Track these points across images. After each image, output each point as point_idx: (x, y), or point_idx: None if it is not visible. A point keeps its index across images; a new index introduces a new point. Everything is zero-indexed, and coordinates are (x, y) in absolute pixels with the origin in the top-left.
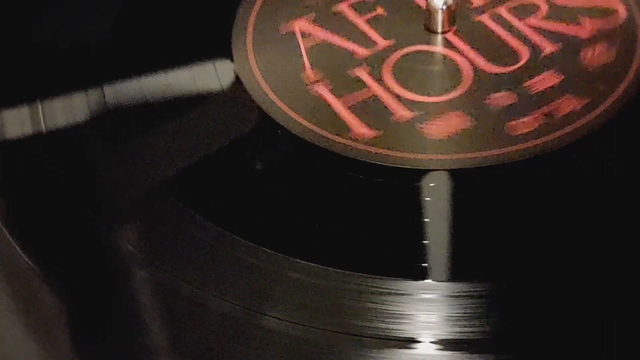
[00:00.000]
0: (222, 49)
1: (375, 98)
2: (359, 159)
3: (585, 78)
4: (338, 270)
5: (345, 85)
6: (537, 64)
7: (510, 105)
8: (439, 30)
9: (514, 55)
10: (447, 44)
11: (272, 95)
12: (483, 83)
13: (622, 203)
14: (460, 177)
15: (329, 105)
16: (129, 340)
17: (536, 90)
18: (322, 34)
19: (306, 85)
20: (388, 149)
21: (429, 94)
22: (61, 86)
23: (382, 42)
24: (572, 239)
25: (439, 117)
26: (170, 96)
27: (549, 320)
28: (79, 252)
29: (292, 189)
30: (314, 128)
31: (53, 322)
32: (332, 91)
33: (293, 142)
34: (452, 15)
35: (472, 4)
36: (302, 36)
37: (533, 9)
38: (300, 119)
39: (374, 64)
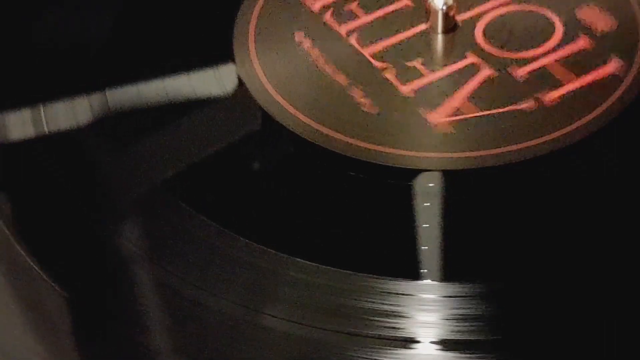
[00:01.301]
0: (223, 51)
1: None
2: (360, 158)
3: None
4: (338, 270)
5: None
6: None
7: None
8: (439, 30)
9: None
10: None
11: (274, 95)
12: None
13: (621, 203)
14: (460, 178)
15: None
16: (129, 339)
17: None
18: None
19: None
20: (388, 147)
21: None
22: (63, 89)
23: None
24: (571, 239)
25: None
26: (172, 98)
27: (547, 321)
28: (80, 252)
29: (293, 188)
30: (318, 127)
31: (53, 322)
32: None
33: (294, 142)
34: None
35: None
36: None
37: None
38: (303, 118)
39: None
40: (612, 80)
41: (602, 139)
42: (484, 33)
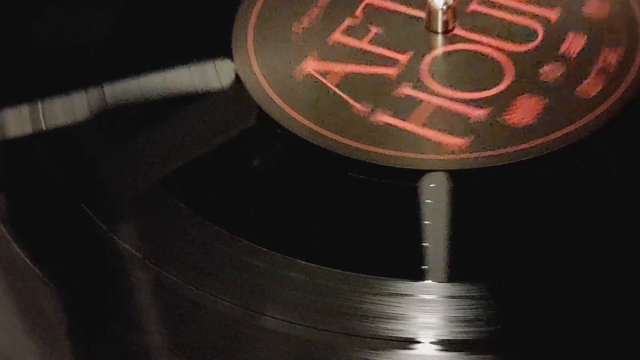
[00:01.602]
0: (222, 48)
1: (440, 109)
2: (359, 158)
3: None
4: (338, 270)
5: (401, 106)
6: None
7: (564, 73)
8: (440, 30)
9: (530, 31)
10: (462, 39)
11: (272, 95)
12: (525, 63)
13: (622, 203)
14: (460, 178)
15: (402, 129)
16: (128, 340)
17: (573, 53)
18: (338, 68)
19: (366, 119)
20: (391, 149)
21: (485, 89)
22: (61, 85)
23: (401, 57)
24: (572, 239)
25: (514, 105)
26: (170, 95)
27: (548, 321)
28: (79, 251)
29: (291, 188)
30: (314, 127)
31: (52, 322)
32: (394, 116)
33: (292, 142)
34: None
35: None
36: (322, 76)
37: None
38: (299, 118)
39: (411, 77)
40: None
41: (602, 139)
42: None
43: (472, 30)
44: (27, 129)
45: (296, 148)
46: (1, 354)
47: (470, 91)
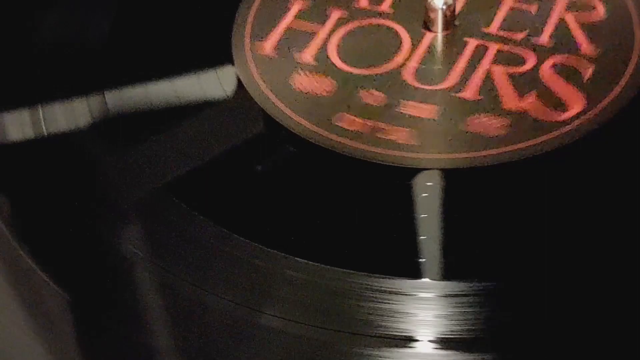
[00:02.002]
0: (222, 53)
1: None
2: (359, 158)
3: (452, 130)
4: (337, 269)
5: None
6: (439, 97)
7: (372, 105)
8: (438, 30)
9: (440, 79)
10: (418, 39)
11: (272, 97)
12: (386, 78)
13: (621, 203)
14: (458, 177)
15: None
16: (129, 339)
17: (402, 110)
18: None
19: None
20: (387, 149)
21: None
22: (62, 90)
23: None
24: (571, 239)
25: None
26: (171, 100)
27: (546, 319)
28: (81, 253)
29: (292, 188)
30: (314, 128)
31: (54, 322)
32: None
33: (293, 143)
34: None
35: (488, 27)
36: None
37: (517, 62)
38: (300, 120)
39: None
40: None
41: (602, 139)
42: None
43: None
44: (28, 133)
45: (297, 148)
46: (2, 354)
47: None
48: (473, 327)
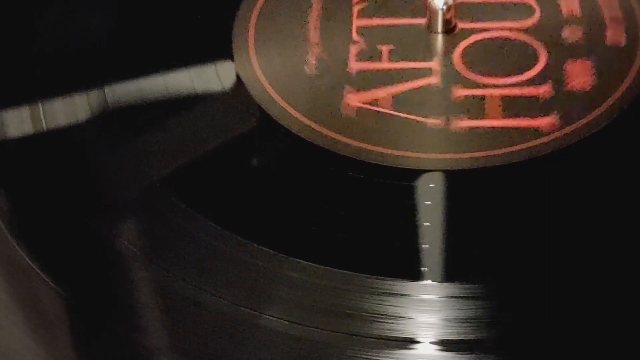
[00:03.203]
0: (223, 49)
1: (506, 97)
2: (359, 158)
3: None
4: (337, 270)
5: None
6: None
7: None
8: (439, 30)
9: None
10: (471, 32)
11: (273, 95)
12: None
13: (621, 203)
14: (459, 178)
15: (480, 127)
16: (129, 339)
17: (577, 12)
18: (382, 92)
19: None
20: (388, 149)
21: (527, 69)
22: (62, 86)
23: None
24: (571, 240)
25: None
26: (171, 96)
27: (547, 321)
28: (79, 251)
29: (292, 188)
30: (315, 127)
31: (52, 322)
32: (471, 118)
33: (293, 142)
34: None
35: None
36: (372, 105)
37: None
38: (301, 118)
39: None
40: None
41: (602, 139)
42: None
43: (473, 21)
44: (27, 129)
45: (297, 148)
46: (1, 354)
47: (515, 75)
48: (474, 329)
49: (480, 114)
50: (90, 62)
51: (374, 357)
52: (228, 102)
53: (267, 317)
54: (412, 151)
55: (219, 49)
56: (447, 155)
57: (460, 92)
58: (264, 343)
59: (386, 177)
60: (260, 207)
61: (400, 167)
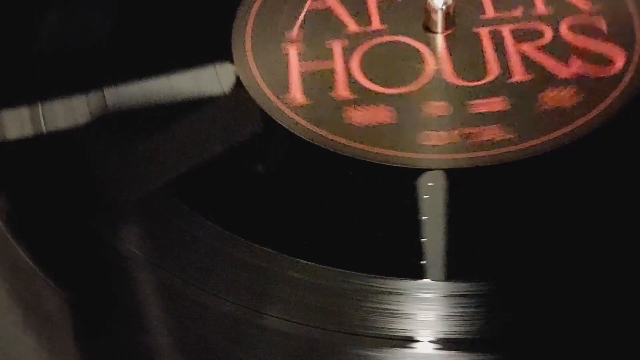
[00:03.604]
0: (222, 51)
1: (330, 71)
2: (359, 158)
3: (529, 115)
4: (338, 269)
5: (315, 52)
6: (497, 88)
7: (440, 116)
8: (438, 30)
9: (482, 73)
10: (433, 44)
11: (272, 96)
12: (434, 89)
13: (621, 203)
14: (458, 177)
15: (286, 65)
16: (130, 340)
17: (475, 111)
18: (330, 1)
19: (281, 42)
20: (386, 148)
21: (378, 83)
22: (62, 88)
23: (376, 25)
24: (571, 239)
25: (367, 106)
26: (171, 98)
27: (547, 320)
28: (80, 252)
29: (292, 189)
30: (315, 128)
31: (54, 322)
32: (300, 55)
33: (293, 143)
34: (451, 18)
35: (484, 14)
36: None
37: (535, 36)
38: (300, 120)
39: (354, 42)
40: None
41: (602, 139)
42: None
43: (447, 42)
44: (27, 131)
45: (297, 148)
46: (2, 354)
47: (367, 78)
48: (474, 328)
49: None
50: (91, 64)
51: (374, 356)
52: (227, 104)
53: (268, 316)
54: (412, 151)
55: (219, 51)
56: (447, 155)
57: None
58: (264, 343)
59: (386, 177)
60: (261, 208)
61: (400, 167)
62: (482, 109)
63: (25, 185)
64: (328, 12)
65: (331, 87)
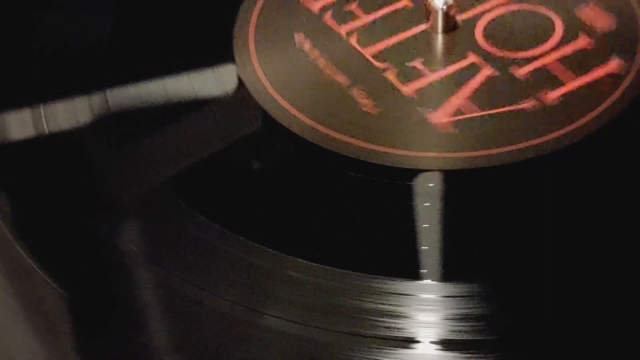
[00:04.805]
0: (224, 51)
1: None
2: (360, 158)
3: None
4: (338, 270)
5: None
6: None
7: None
8: (439, 30)
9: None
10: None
11: (274, 95)
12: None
13: (621, 203)
14: (459, 178)
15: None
16: (129, 339)
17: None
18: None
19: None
20: (389, 147)
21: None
22: (64, 88)
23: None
24: (571, 239)
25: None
26: (173, 98)
27: (547, 320)
28: (81, 252)
29: (293, 188)
30: (317, 127)
31: (54, 322)
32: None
33: (294, 142)
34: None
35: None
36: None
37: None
38: (303, 119)
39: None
40: (613, 80)
41: (602, 139)
42: (484, 33)
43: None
44: (29, 131)
45: (298, 148)
46: (3, 354)
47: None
48: (474, 329)
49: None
50: (93, 65)
51: (374, 357)
52: (230, 104)
53: (268, 316)
54: (412, 151)
55: (221, 51)
56: (447, 155)
57: None
58: (264, 342)
59: (386, 177)
60: (261, 207)
61: (400, 166)
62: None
63: (26, 185)
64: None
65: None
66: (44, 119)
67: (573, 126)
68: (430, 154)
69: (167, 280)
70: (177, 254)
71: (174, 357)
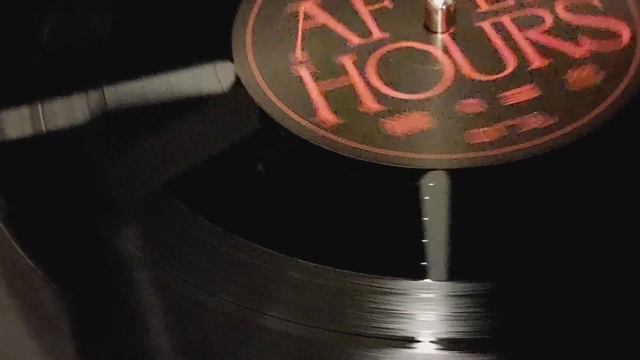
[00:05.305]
0: (222, 50)
1: (350, 87)
2: (360, 158)
3: (563, 98)
4: (338, 270)
5: (327, 70)
6: (521, 76)
7: (478, 113)
8: (438, 30)
9: (500, 65)
10: (440, 44)
11: (272, 96)
12: (460, 88)
13: (621, 203)
14: (460, 177)
15: (304, 87)
16: (129, 340)
17: (508, 103)
18: (323, 18)
19: (291, 64)
20: (387, 149)
21: (403, 91)
22: (61, 87)
23: (377, 34)
24: (571, 239)
25: (402, 115)
26: (171, 97)
27: (548, 320)
28: (80, 252)
29: (292, 189)
30: (314, 128)
31: (54, 322)
32: (313, 75)
33: (293, 142)
34: (451, 17)
35: (478, 8)
36: (304, 18)
37: (536, 21)
38: (299, 119)
39: (363, 54)
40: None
41: (603, 139)
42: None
43: (456, 40)
44: (27, 130)
45: (296, 148)
46: (3, 355)
47: (390, 88)
48: (474, 328)
49: None
50: (91, 63)
51: (374, 357)
52: (227, 103)
53: (268, 317)
54: (412, 151)
55: (219, 50)
56: (447, 155)
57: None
58: (264, 343)
59: (386, 177)
60: (261, 208)
61: (401, 167)
62: (515, 100)
63: (25, 185)
64: (325, 29)
65: (358, 103)
66: (41, 117)
67: (573, 126)
68: (430, 154)
69: (166, 280)
70: (176, 255)
71: (173, 358)
